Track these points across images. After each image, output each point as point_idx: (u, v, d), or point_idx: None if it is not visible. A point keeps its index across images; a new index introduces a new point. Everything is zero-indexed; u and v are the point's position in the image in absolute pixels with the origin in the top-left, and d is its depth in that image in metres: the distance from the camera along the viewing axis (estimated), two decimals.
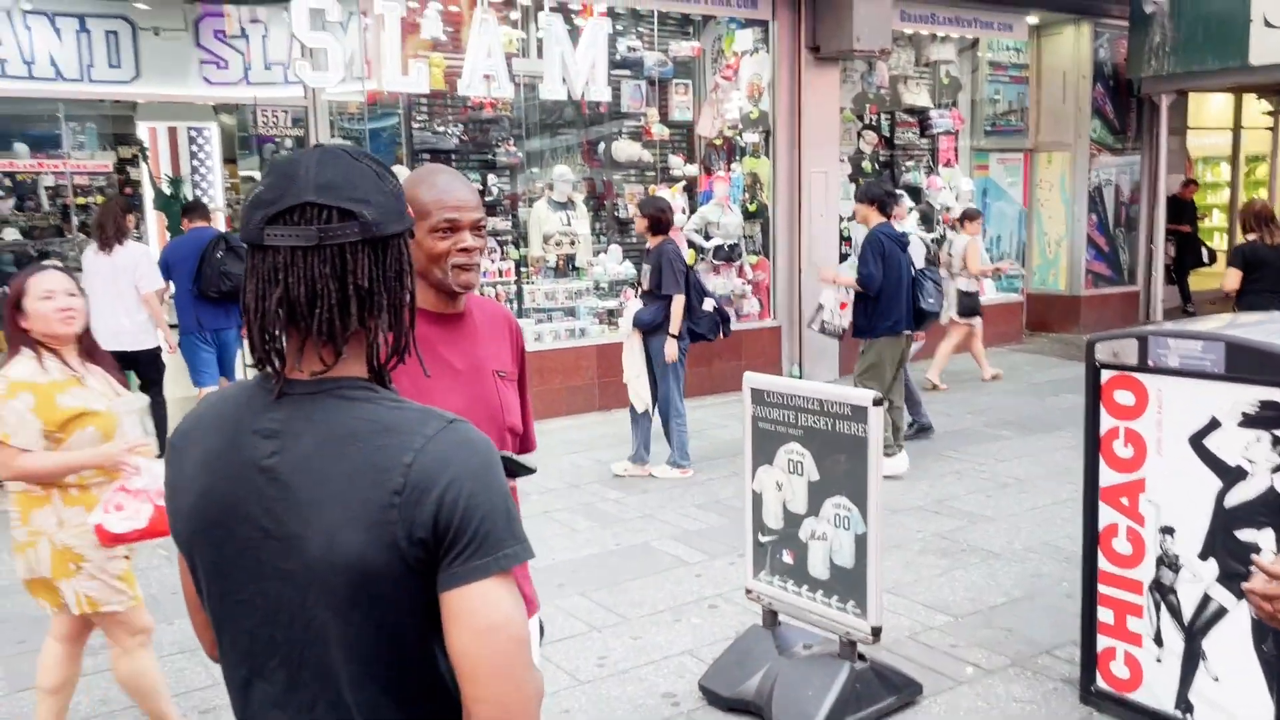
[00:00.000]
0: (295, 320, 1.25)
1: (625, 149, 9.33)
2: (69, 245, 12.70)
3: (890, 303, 6.55)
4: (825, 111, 9.76)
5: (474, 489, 1.21)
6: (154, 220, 10.36)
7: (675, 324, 6.47)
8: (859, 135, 10.84)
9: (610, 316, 8.78)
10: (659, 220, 6.57)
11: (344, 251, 1.24)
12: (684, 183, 9.49)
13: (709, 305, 6.71)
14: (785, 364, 9.79)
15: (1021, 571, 4.96)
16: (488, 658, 1.19)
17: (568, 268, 8.92)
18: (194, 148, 12.26)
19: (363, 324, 1.27)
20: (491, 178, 8.82)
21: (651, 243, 6.64)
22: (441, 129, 8.55)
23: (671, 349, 6.50)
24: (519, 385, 2.26)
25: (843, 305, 7.23)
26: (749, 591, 3.95)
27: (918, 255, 7.26)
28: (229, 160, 10.89)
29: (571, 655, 4.16)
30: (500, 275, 8.39)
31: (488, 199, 8.82)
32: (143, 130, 12.05)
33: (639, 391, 6.63)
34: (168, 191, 11.52)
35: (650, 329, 6.56)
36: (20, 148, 11.51)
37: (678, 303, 6.45)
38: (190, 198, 9.98)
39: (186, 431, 1.36)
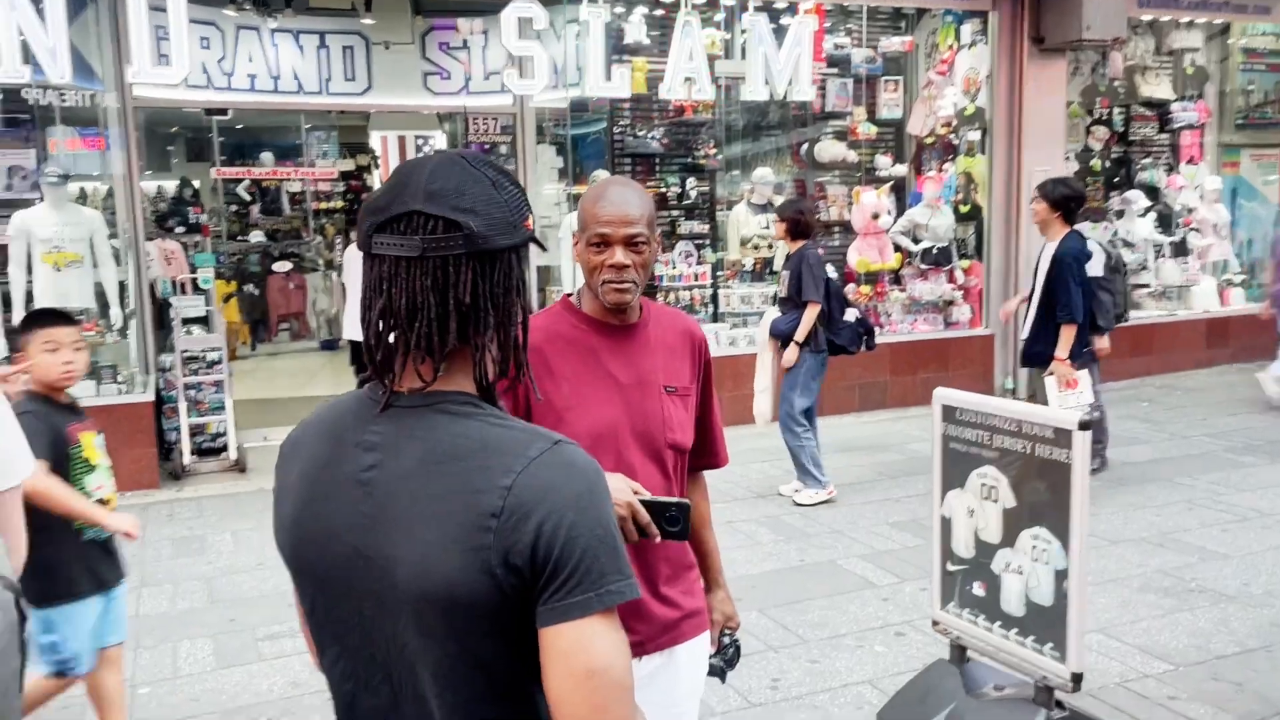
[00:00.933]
0: (397, 332, 1.19)
1: (829, 149, 9.07)
2: (306, 247, 13.74)
3: (1081, 329, 5.89)
4: (1049, 106, 9.12)
5: (577, 518, 1.11)
6: None
7: (803, 331, 6.09)
8: (1087, 131, 10.10)
9: None
10: (798, 224, 6.18)
11: (447, 264, 1.17)
12: (891, 183, 9.12)
13: (851, 316, 6.27)
14: (998, 376, 9.23)
15: (1259, 619, 4.40)
16: (582, 703, 1.09)
17: (765, 271, 8.74)
18: (420, 156, 12.99)
19: (465, 340, 1.20)
20: (691, 181, 8.78)
21: (791, 248, 6.26)
22: (643, 133, 8.58)
23: (791, 355, 6.13)
24: (703, 400, 2.17)
25: None
26: (935, 623, 3.68)
27: (1097, 265, 6.41)
28: None
29: (744, 675, 4.01)
30: (696, 279, 8.32)
31: (685, 202, 8.79)
32: (375, 139, 12.83)
33: (761, 407, 6.33)
34: None
35: (787, 339, 6.17)
36: (266, 156, 12.51)
37: (811, 310, 6.06)
38: None
39: (296, 439, 1.33)
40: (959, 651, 3.60)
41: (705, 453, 2.22)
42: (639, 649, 2.00)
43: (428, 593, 1.13)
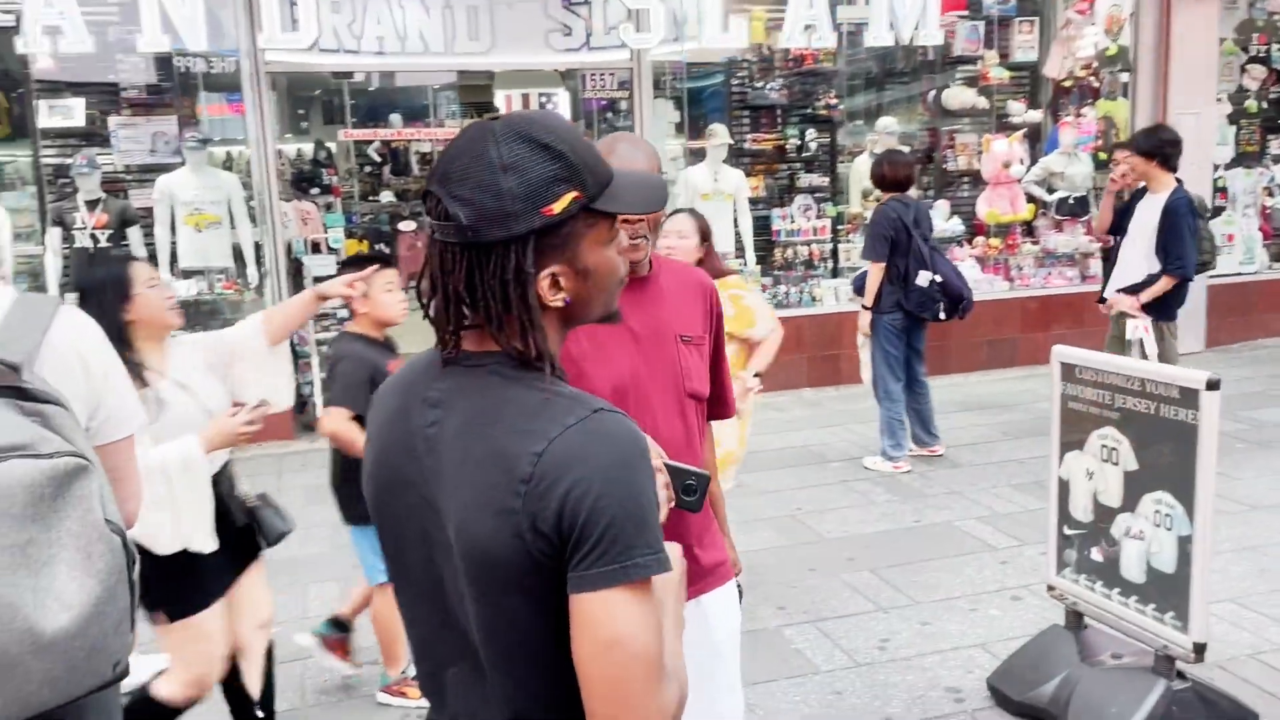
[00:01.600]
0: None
1: (958, 96, 8.72)
2: None
3: (1181, 286, 5.40)
4: (1199, 44, 8.53)
5: (604, 488, 1.10)
6: None
7: (869, 294, 5.85)
8: (1242, 69, 9.40)
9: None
10: (882, 177, 5.86)
11: (446, 251, 1.19)
12: (1024, 130, 8.71)
13: (923, 279, 5.78)
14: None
15: None
16: (602, 674, 1.10)
17: None
18: None
19: (486, 319, 1.19)
20: (811, 132, 8.58)
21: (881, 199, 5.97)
22: (761, 84, 8.42)
23: (862, 320, 5.92)
24: (715, 350, 2.19)
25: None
26: (1051, 588, 3.56)
27: None
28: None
29: (852, 634, 3.97)
30: (815, 234, 8.16)
31: (805, 154, 8.61)
32: (499, 99, 12.97)
33: (864, 368, 6.10)
34: None
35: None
36: (395, 118, 12.80)
37: (874, 271, 5.80)
38: None
39: (380, 393, 1.38)
40: (1075, 618, 3.48)
41: (715, 401, 2.22)
42: (723, 571, 2.10)
43: (466, 549, 1.16)
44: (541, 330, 1.20)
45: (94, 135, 7.16)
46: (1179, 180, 5.40)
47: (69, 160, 6.84)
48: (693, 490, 1.56)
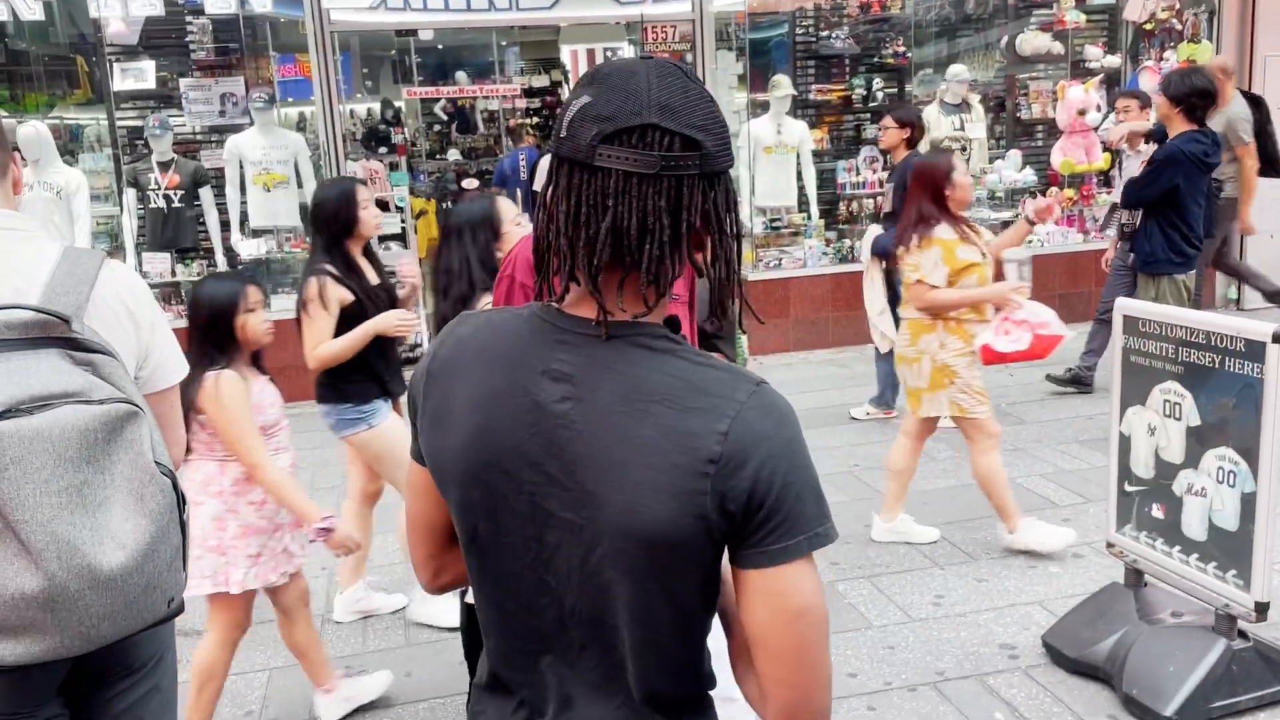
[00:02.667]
0: (620, 254, 1.12)
1: (1032, 41, 8.45)
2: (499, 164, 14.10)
3: (1186, 236, 5.27)
4: None
5: (790, 465, 1.11)
6: None
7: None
8: None
9: (1003, 229, 8.08)
10: (917, 128, 5.73)
11: (681, 184, 1.12)
12: (1101, 76, 8.40)
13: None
14: (1220, 285, 8.47)
15: None
16: (794, 641, 1.13)
17: None
18: None
19: (692, 263, 1.17)
20: (878, 81, 8.40)
21: (898, 157, 5.77)
22: (826, 34, 8.24)
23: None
24: (689, 309, 2.22)
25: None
26: (1110, 545, 3.49)
27: None
28: None
29: (906, 589, 3.96)
30: (880, 186, 8.01)
31: (872, 104, 8.43)
32: (565, 53, 12.91)
33: (883, 329, 5.83)
34: None
35: (889, 256, 5.57)
36: (460, 75, 12.84)
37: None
38: None
39: (448, 360, 1.25)
40: (1135, 575, 3.42)
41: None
42: None
43: (634, 532, 1.12)
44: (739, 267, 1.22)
45: (166, 97, 7.33)
46: (1201, 133, 5.19)
47: (142, 122, 7.01)
48: None
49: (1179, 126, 5.22)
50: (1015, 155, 8.38)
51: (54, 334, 1.67)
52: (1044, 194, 8.23)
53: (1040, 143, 8.65)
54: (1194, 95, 5.12)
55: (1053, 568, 4.06)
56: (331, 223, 3.55)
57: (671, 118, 1.09)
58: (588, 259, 1.12)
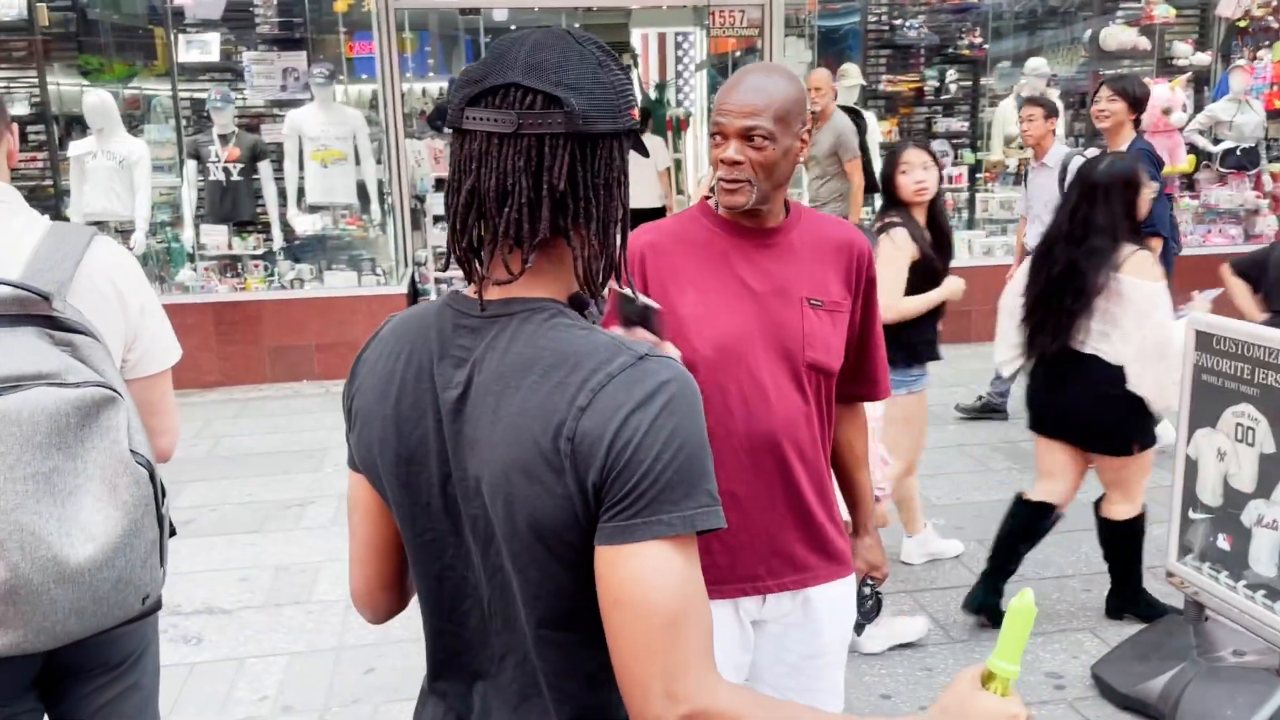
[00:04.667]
0: (483, 218, 1.07)
1: (1117, 36, 8.07)
2: None
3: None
4: None
5: (648, 436, 0.99)
6: None
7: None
8: None
9: None
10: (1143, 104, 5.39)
11: (543, 144, 1.04)
12: (1188, 74, 8.02)
13: None
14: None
15: None
16: (614, 631, 1.00)
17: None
18: (679, 53, 12.78)
19: (558, 231, 1.07)
20: (952, 73, 8.11)
21: (1118, 140, 5.52)
22: (900, 22, 7.98)
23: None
24: (864, 320, 1.92)
25: None
26: (1170, 575, 3.28)
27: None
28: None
29: (950, 607, 3.77)
30: (950, 181, 7.74)
31: (945, 96, 8.15)
32: (635, 37, 12.78)
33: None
34: (653, 97, 12.16)
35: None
36: None
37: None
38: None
39: (367, 358, 1.22)
40: (1196, 609, 3.20)
41: (862, 380, 1.97)
42: (757, 585, 1.85)
43: (513, 518, 1.05)
44: (622, 247, 1.13)
45: (229, 70, 7.36)
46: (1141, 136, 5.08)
47: (205, 95, 7.05)
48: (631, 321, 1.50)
49: (1127, 136, 5.05)
50: (1094, 154, 8.03)
51: (33, 311, 1.59)
52: None
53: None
54: (1144, 102, 5.07)
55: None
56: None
57: (535, 76, 1.05)
58: (454, 226, 1.09)
